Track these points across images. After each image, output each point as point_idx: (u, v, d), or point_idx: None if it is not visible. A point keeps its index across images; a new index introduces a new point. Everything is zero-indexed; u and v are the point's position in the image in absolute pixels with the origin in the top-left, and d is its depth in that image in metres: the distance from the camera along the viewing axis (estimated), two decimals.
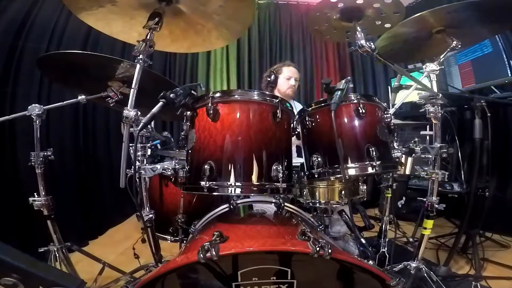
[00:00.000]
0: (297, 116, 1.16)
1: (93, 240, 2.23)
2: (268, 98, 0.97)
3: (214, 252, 0.66)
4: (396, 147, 1.15)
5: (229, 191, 0.89)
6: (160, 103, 0.92)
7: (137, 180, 0.96)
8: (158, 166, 1.01)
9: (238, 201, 1.12)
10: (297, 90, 2.41)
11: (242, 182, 0.88)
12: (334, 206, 1.28)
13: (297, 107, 2.17)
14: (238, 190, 0.89)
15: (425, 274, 1.23)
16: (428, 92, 1.20)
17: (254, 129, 0.93)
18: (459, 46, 1.26)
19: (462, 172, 2.34)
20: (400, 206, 2.52)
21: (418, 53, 1.54)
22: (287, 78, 2.19)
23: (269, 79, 2.20)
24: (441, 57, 1.26)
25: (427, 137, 2.28)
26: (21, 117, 1.21)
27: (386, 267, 1.38)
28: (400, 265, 1.32)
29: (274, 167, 0.90)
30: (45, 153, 1.25)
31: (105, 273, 1.44)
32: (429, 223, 1.25)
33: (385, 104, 1.17)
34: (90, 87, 1.26)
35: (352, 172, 1.03)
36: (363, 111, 1.04)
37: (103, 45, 2.44)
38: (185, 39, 1.25)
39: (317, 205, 1.26)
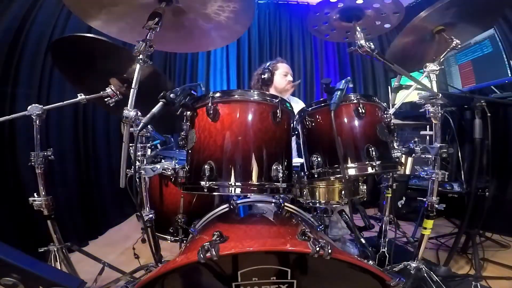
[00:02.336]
0: (297, 116, 1.16)
1: (93, 240, 2.23)
2: (268, 98, 0.97)
3: (214, 252, 0.66)
4: (396, 147, 1.15)
5: (229, 191, 0.89)
6: (160, 103, 0.92)
7: (137, 180, 0.96)
8: (158, 166, 1.01)
9: (238, 201, 1.12)
10: (298, 90, 2.40)
11: (242, 182, 0.88)
12: (334, 206, 1.28)
13: (300, 104, 2.15)
14: (238, 190, 0.89)
15: (425, 274, 1.23)
16: (428, 92, 1.20)
17: (254, 129, 0.93)
18: (459, 45, 1.26)
19: (462, 172, 2.35)
20: (400, 206, 2.52)
21: (420, 54, 1.53)
22: (284, 75, 2.13)
23: (264, 77, 2.10)
24: (441, 57, 1.26)
25: (427, 137, 2.28)
26: (21, 117, 1.21)
27: (386, 267, 1.38)
28: (400, 265, 1.32)
29: (274, 167, 0.90)
30: (45, 153, 1.24)
31: (105, 273, 1.43)
32: (429, 223, 1.25)
33: (385, 104, 1.17)
34: (92, 84, 1.25)
35: (352, 172, 1.03)
36: (363, 111, 1.04)
37: None
38: (185, 39, 1.25)
39: (317, 205, 1.26)
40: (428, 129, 2.36)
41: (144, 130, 0.95)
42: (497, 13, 1.33)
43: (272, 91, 2.12)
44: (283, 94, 2.12)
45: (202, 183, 0.87)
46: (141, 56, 0.95)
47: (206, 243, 0.68)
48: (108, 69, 1.20)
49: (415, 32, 1.27)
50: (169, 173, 1.09)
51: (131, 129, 0.91)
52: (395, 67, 1.15)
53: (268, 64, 2.20)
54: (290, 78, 2.16)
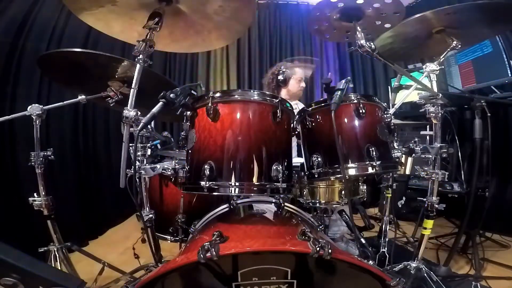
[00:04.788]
0: (297, 116, 1.16)
1: (93, 240, 2.23)
2: (268, 98, 0.97)
3: (214, 252, 0.66)
4: (396, 147, 1.15)
5: (229, 191, 0.89)
6: (160, 103, 0.92)
7: (137, 180, 0.96)
8: (158, 166, 1.01)
9: (238, 201, 1.12)
10: None
11: (242, 182, 0.88)
12: (334, 206, 1.28)
13: (300, 107, 2.17)
14: (238, 190, 0.89)
15: (425, 274, 1.23)
16: (428, 92, 1.20)
17: (254, 129, 0.93)
18: (459, 46, 1.26)
19: (462, 172, 2.34)
20: (400, 206, 2.52)
21: (418, 53, 1.54)
22: (299, 80, 2.17)
23: (280, 78, 2.11)
24: (441, 57, 1.26)
25: (427, 137, 2.28)
26: (21, 117, 1.21)
27: (386, 267, 1.38)
28: (400, 265, 1.32)
29: (274, 167, 0.90)
30: (45, 153, 1.24)
31: (105, 273, 1.44)
32: (429, 223, 1.25)
33: (385, 104, 1.17)
34: (90, 86, 1.25)
35: (352, 172, 1.03)
36: (363, 111, 1.04)
37: (103, 45, 2.43)
38: (185, 39, 1.24)
39: (317, 205, 1.26)
40: (428, 129, 2.36)
41: (144, 130, 0.95)
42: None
43: (283, 92, 2.17)
44: (293, 98, 2.17)
45: (202, 183, 0.87)
46: (141, 56, 0.95)
47: (206, 243, 0.68)
48: (104, 74, 1.20)
49: (414, 26, 1.27)
50: (169, 173, 1.09)
51: (131, 129, 0.91)
52: (395, 67, 1.14)
53: (284, 64, 2.21)
54: (303, 84, 2.21)
